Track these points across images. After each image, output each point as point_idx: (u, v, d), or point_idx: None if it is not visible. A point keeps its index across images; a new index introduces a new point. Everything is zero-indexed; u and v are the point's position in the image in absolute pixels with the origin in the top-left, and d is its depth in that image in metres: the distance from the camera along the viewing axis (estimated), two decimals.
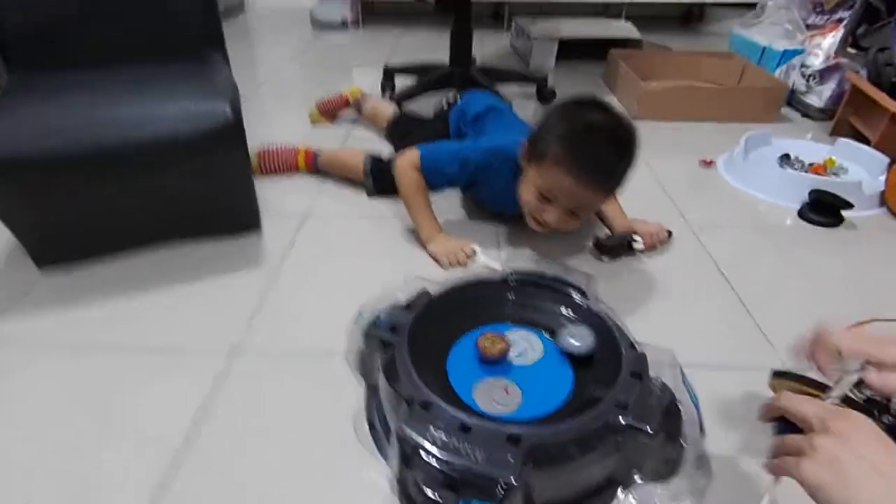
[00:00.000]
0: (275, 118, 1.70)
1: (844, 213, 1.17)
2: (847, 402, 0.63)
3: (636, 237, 1.04)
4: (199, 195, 0.97)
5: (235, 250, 1.05)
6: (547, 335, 0.79)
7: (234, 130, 0.88)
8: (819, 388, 0.65)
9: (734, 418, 0.73)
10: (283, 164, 1.29)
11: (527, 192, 0.96)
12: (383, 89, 1.84)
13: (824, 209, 1.18)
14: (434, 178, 1.04)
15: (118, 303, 0.91)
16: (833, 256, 1.09)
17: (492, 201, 1.08)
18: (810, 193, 1.19)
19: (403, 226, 1.11)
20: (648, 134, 1.63)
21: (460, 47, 1.73)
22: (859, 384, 0.71)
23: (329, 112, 1.59)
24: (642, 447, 0.62)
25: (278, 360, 0.81)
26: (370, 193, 1.22)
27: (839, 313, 0.92)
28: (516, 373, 0.74)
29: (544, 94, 1.83)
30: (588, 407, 0.63)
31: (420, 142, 1.17)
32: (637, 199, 1.15)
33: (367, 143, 1.45)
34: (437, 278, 0.87)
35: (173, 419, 0.71)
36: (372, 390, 0.75)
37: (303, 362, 0.81)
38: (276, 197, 1.22)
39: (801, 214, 1.20)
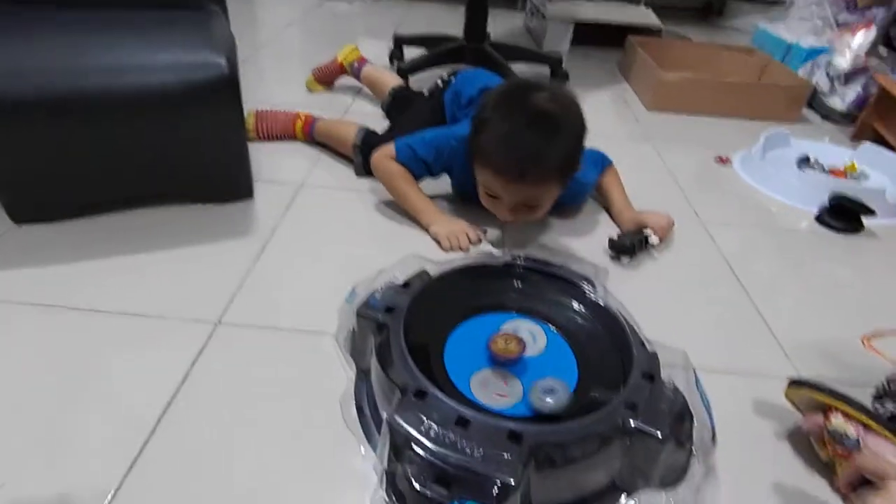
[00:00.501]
0: (273, 83, 1.63)
1: (865, 220, 1.12)
2: (870, 414, 0.60)
3: (648, 232, 0.99)
4: (188, 154, 0.90)
5: (225, 216, 0.99)
6: (552, 328, 0.75)
7: (228, 85, 0.82)
8: (837, 398, 0.61)
9: (745, 427, 0.69)
10: (280, 128, 1.23)
11: (479, 190, 0.92)
12: (391, 59, 1.77)
13: (844, 215, 1.13)
14: (412, 166, 1.00)
15: (98, 263, 0.85)
16: (852, 264, 1.05)
17: (472, 191, 1.01)
18: (831, 198, 1.14)
19: None
20: (662, 125, 1.59)
21: (475, 21, 1.65)
22: (881, 398, 0.67)
23: (325, 79, 1.52)
24: (650, 452, 0.57)
25: (264, 335, 0.76)
26: (358, 172, 1.14)
27: (854, 322, 0.88)
28: (518, 366, 0.69)
29: (558, 76, 1.76)
30: (593, 406, 0.59)
31: (411, 123, 1.14)
32: (649, 193, 1.10)
33: (368, 117, 1.38)
34: (437, 259, 0.82)
35: (152, 390, 0.66)
36: (362, 374, 0.70)
37: (290, 339, 0.76)
38: (270, 163, 1.16)
39: (820, 219, 1.16)
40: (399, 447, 0.54)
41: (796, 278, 1.00)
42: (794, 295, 0.95)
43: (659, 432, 0.56)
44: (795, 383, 0.65)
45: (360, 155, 1.12)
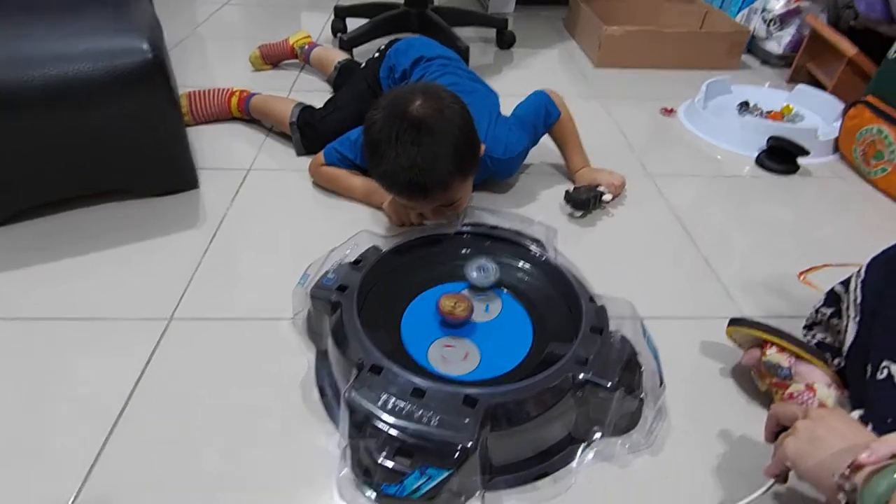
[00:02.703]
0: (214, 62, 1.56)
1: (800, 160, 1.17)
2: (800, 345, 0.64)
3: (602, 189, 1.01)
4: (122, 148, 0.86)
5: (170, 209, 0.96)
6: (505, 290, 0.76)
7: (154, 71, 0.78)
8: (771, 333, 0.65)
9: (692, 367, 0.73)
10: (214, 107, 1.18)
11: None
12: (334, 32, 1.71)
13: (781, 156, 1.18)
14: (341, 167, 1.00)
15: (40, 269, 0.82)
16: (790, 203, 1.10)
17: None
18: (767, 141, 1.18)
19: None
20: (609, 80, 1.60)
21: None
22: (811, 327, 0.71)
23: (272, 58, 1.47)
24: (602, 402, 0.60)
25: (220, 326, 0.75)
26: (298, 150, 1.12)
27: (793, 259, 0.92)
28: (474, 331, 0.70)
29: (504, 39, 1.74)
30: (547, 364, 0.61)
31: (346, 95, 1.15)
32: (598, 148, 1.11)
33: (312, 94, 1.34)
34: (388, 234, 0.82)
35: (110, 389, 0.65)
36: (322, 355, 0.71)
37: (248, 327, 0.75)
38: (213, 149, 1.12)
39: (759, 162, 1.20)
40: (359, 423, 0.55)
41: (740, 222, 1.04)
42: (738, 238, 0.99)
43: (608, 382, 0.59)
44: (734, 322, 0.69)
45: (298, 132, 1.10)
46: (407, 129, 0.76)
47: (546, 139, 1.07)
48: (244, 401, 0.66)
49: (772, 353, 0.64)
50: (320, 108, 1.13)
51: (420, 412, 0.54)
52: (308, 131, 1.09)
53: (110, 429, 0.61)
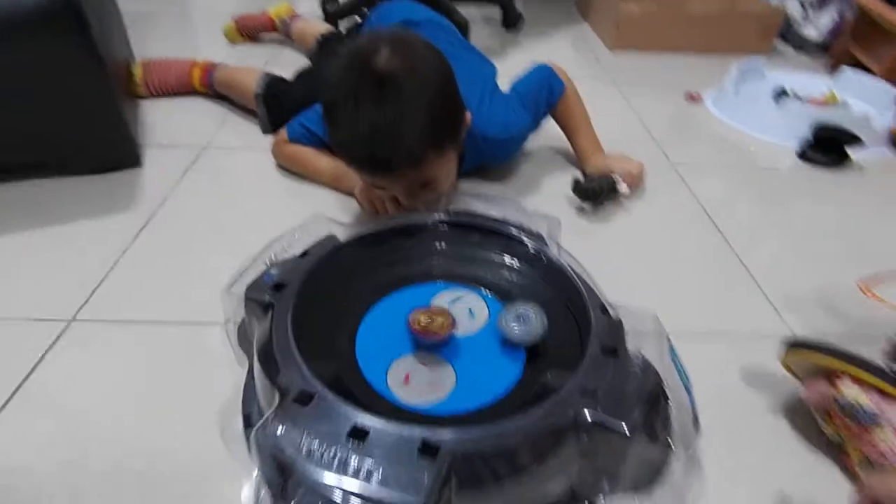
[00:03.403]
0: (199, 34, 1.42)
1: (851, 153, 1.00)
2: (886, 377, 0.47)
3: (617, 178, 0.84)
4: (33, 113, 0.71)
5: (100, 189, 0.81)
6: (491, 294, 0.60)
7: (62, 15, 0.62)
8: (843, 360, 0.48)
9: (733, 402, 0.57)
10: (174, 79, 1.03)
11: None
12: (323, 5, 1.57)
13: (827, 147, 1.00)
14: (308, 141, 0.84)
15: None
16: (841, 202, 0.93)
17: None
18: (813, 129, 1.01)
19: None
20: (626, 65, 1.44)
21: None
22: (894, 356, 0.55)
23: (249, 31, 1.34)
24: (617, 450, 0.44)
25: (132, 331, 0.60)
26: (264, 127, 0.97)
27: (849, 267, 0.75)
28: (451, 347, 0.54)
29: (511, 19, 1.58)
30: (542, 395, 0.45)
31: (325, 68, 0.97)
32: (615, 138, 0.95)
33: (292, 70, 1.19)
34: (349, 221, 0.66)
35: None
36: (253, 373, 0.55)
37: (166, 333, 0.60)
38: (168, 124, 0.98)
39: (803, 154, 1.03)
40: (278, 474, 0.40)
41: (782, 222, 0.87)
42: (780, 241, 0.83)
43: (625, 425, 0.42)
44: (794, 345, 0.52)
45: (264, 106, 0.94)
46: (369, 87, 0.60)
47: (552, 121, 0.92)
48: (150, 429, 0.50)
49: (848, 390, 0.47)
50: (293, 79, 0.98)
51: (357, 461, 0.38)
52: (275, 105, 0.94)
53: None
